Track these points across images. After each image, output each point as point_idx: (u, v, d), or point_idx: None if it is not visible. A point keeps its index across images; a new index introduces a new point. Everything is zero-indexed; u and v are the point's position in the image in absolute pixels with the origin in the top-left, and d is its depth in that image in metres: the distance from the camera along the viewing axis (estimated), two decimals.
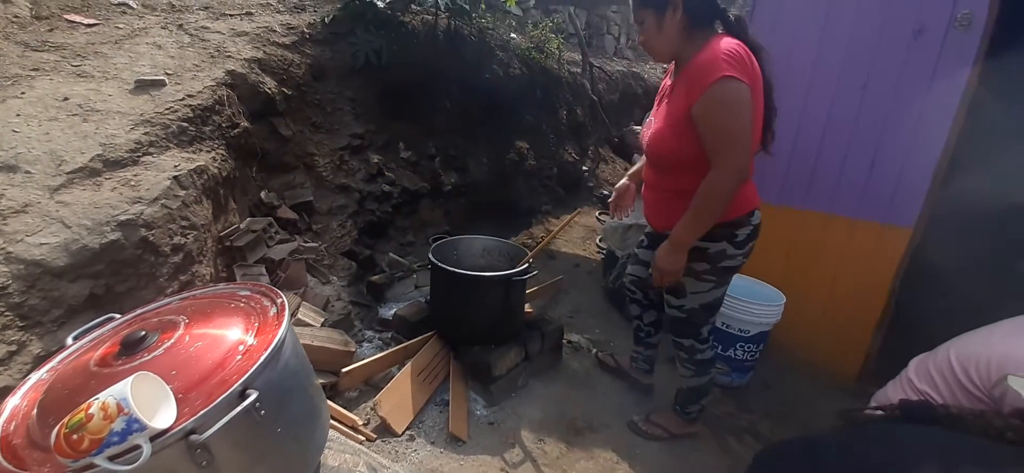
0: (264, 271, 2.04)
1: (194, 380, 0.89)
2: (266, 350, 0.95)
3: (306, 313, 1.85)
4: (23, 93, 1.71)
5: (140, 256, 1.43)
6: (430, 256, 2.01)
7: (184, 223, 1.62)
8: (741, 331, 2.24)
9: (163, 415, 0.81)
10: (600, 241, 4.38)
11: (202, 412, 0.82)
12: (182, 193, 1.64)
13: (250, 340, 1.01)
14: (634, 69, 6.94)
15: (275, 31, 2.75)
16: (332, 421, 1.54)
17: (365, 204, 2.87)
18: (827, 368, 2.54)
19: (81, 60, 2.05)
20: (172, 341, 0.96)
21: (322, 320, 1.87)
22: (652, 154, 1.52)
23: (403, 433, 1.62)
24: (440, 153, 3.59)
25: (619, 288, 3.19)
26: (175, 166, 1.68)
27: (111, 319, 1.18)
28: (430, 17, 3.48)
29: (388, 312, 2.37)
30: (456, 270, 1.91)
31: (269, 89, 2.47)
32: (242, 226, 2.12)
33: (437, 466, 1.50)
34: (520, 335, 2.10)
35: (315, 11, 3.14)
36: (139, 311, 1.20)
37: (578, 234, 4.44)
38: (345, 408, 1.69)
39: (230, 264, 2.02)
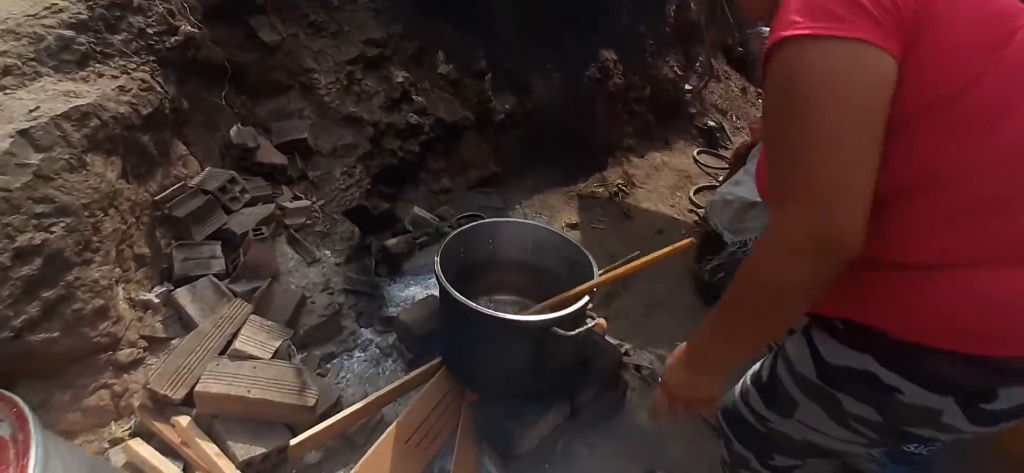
0: (218, 252, 1.48)
1: None
2: None
3: (253, 335, 1.28)
4: None
5: None
6: (435, 261, 1.30)
7: (43, 209, 1.03)
8: None
9: None
10: (702, 212, 3.30)
11: None
12: (37, 159, 1.03)
13: None
14: None
15: None
16: None
17: (383, 141, 2.16)
18: None
19: None
20: None
21: (277, 345, 1.30)
22: None
23: None
24: (493, 68, 2.70)
25: (718, 282, 2.33)
26: (30, 111, 1.06)
27: None
28: None
29: (396, 309, 1.76)
30: (464, 301, 1.19)
31: None
32: (192, 183, 1.53)
33: None
34: (563, 382, 1.41)
35: None
36: None
37: (666, 181, 3.45)
38: None
39: (174, 240, 1.47)
